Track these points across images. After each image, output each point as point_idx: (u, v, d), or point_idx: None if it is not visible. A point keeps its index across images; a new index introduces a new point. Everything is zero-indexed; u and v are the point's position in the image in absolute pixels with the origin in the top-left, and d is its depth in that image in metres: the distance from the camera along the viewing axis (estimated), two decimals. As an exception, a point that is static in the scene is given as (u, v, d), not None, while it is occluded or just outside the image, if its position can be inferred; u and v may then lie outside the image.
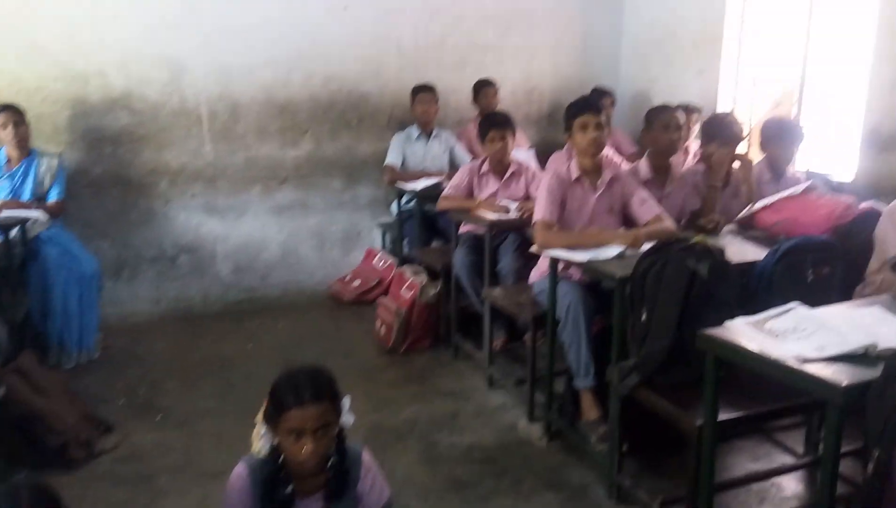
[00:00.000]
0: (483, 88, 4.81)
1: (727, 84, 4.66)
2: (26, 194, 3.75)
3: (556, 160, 4.11)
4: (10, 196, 3.71)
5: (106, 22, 4.11)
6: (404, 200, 4.55)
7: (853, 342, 1.63)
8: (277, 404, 1.58)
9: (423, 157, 4.65)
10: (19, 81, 4.01)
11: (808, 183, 3.08)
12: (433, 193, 4.09)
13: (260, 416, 1.68)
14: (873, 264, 2.43)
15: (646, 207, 2.94)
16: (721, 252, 2.31)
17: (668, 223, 2.88)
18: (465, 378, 3.55)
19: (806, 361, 1.60)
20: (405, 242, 4.61)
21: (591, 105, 2.93)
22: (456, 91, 5.02)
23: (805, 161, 4.15)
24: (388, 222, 4.95)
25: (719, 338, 1.80)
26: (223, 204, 4.59)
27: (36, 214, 3.61)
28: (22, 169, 3.74)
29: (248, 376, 3.55)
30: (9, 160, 3.75)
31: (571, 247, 2.70)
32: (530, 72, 5.28)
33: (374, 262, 4.87)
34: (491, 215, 3.47)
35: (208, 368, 3.68)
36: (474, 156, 4.65)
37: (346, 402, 1.71)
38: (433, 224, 4.44)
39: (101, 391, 3.36)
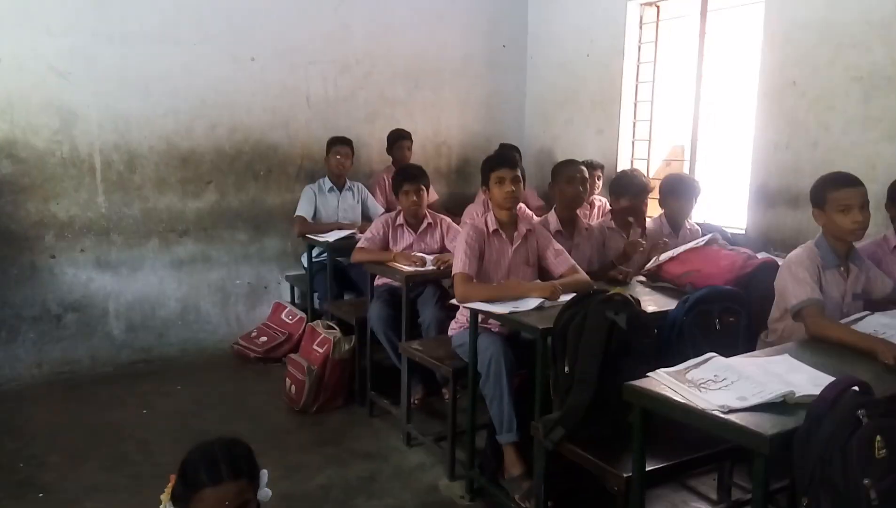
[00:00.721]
0: (398, 141, 4.85)
1: (625, 143, 4.92)
2: None
3: (470, 213, 4.15)
4: None
5: (-12, 66, 3.82)
6: (315, 252, 4.42)
7: (772, 391, 1.69)
8: (190, 482, 1.43)
9: (337, 209, 4.58)
10: None
11: (710, 236, 3.25)
12: (346, 244, 4.00)
13: (166, 496, 1.51)
14: (775, 312, 2.57)
15: (560, 259, 3.00)
16: (638, 303, 2.37)
17: (583, 275, 2.94)
18: (382, 437, 3.42)
19: (731, 411, 1.63)
20: (315, 296, 4.47)
21: (507, 160, 2.98)
22: (366, 144, 5.02)
23: (699, 215, 4.41)
24: (297, 275, 4.79)
25: (646, 391, 1.81)
26: (116, 258, 4.29)
27: None
28: None
29: (142, 446, 3.26)
30: None
31: (491, 299, 2.70)
32: (439, 126, 5.36)
33: (282, 316, 4.68)
34: (408, 268, 3.43)
35: (97, 438, 3.34)
36: (387, 206, 4.62)
37: (264, 476, 1.57)
38: (345, 277, 4.34)
39: (-30, 471, 2.98)
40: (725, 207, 4.31)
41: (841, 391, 1.52)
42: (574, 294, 2.55)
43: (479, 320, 2.78)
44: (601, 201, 4.55)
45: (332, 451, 3.26)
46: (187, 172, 4.45)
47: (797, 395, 1.68)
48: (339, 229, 4.30)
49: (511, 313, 2.57)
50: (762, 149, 3.89)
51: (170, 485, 1.50)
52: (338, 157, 4.51)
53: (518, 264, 2.99)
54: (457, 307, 2.92)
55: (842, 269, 2.50)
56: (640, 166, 4.86)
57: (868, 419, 1.48)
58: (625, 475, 2.00)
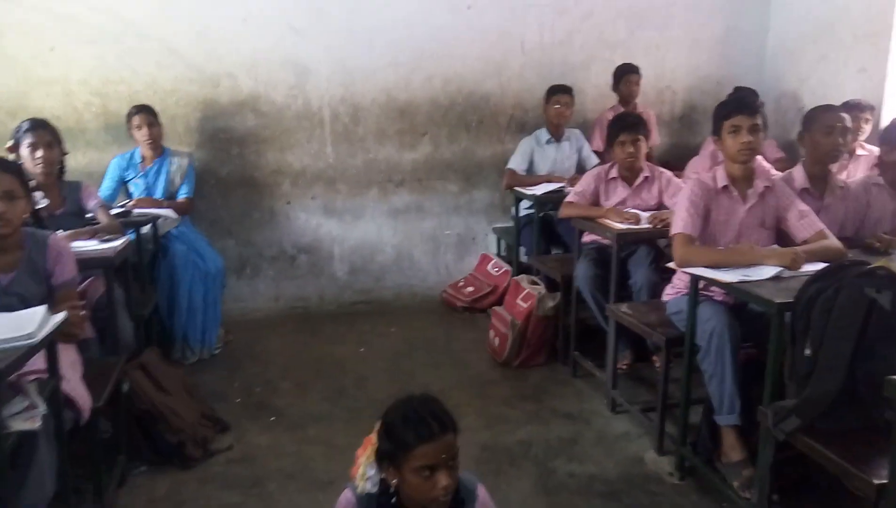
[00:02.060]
0: (626, 75, 4.54)
1: (894, 84, 4.09)
2: (158, 192, 3.89)
3: (695, 167, 3.77)
4: (143, 194, 3.87)
5: (236, 27, 4.21)
6: (524, 205, 4.35)
7: None
8: (401, 442, 1.44)
9: (555, 161, 4.42)
10: (156, 84, 4.19)
11: None
12: (555, 198, 3.86)
13: (367, 458, 1.53)
14: None
15: (806, 221, 2.58)
16: (908, 280, 1.94)
17: (834, 242, 2.50)
18: (585, 400, 3.30)
19: None
20: (522, 249, 4.41)
21: (745, 105, 2.60)
22: (581, 91, 4.74)
23: None
24: (504, 227, 4.77)
25: (918, 390, 1.47)
26: (341, 206, 4.59)
27: (167, 212, 3.73)
28: (155, 168, 3.89)
29: (358, 381, 3.50)
30: (143, 159, 3.91)
31: (717, 265, 2.40)
32: (663, 70, 4.92)
33: (488, 268, 4.72)
34: (619, 225, 3.20)
35: (321, 370, 3.65)
36: (602, 150, 4.34)
37: None
38: (552, 232, 4.21)
39: (220, 389, 3.41)
40: None
41: None
42: (821, 264, 2.17)
43: (700, 286, 2.50)
44: (868, 150, 3.84)
45: (533, 407, 3.22)
46: (404, 123, 4.58)
47: None
48: (549, 182, 4.16)
49: (741, 281, 2.26)
50: None
51: (370, 447, 1.52)
52: (557, 106, 4.32)
53: (751, 226, 2.62)
54: (673, 271, 2.65)
55: None
56: (915, 112, 4.03)
57: None
58: (876, 481, 1.68)
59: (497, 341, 3.75)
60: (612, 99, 4.66)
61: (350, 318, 4.47)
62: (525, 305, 3.70)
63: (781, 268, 2.30)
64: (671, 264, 2.55)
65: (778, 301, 2.06)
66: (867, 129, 3.80)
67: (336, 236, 4.62)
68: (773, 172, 3.48)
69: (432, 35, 4.48)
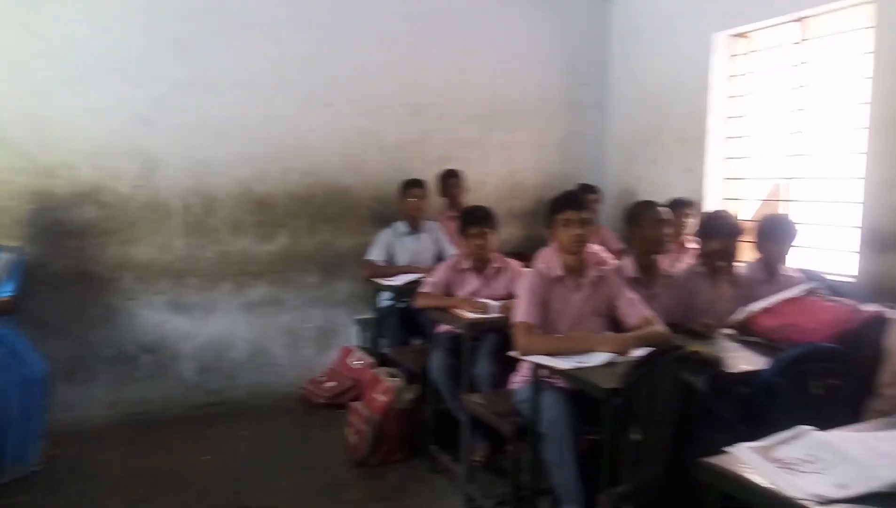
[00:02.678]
0: (449, 180, 4.73)
1: (714, 182, 4.57)
2: (-24, 290, 3.50)
3: (543, 257, 3.94)
4: (-42, 292, 3.47)
5: (76, 116, 4.01)
6: (384, 296, 4.33)
7: (881, 478, 1.38)
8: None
9: (414, 251, 4.47)
10: (-20, 174, 3.86)
11: (809, 285, 2.89)
12: (414, 288, 3.87)
13: None
14: (886, 376, 2.20)
15: (634, 309, 2.73)
16: (719, 362, 2.08)
17: (660, 327, 2.66)
18: (442, 497, 3.21)
19: (828, 502, 1.34)
20: (383, 341, 4.36)
21: (573, 200, 2.78)
22: (440, 187, 4.93)
23: (800, 260, 3.99)
24: (366, 318, 4.71)
25: (724, 470, 1.53)
26: (191, 301, 4.35)
27: (-16, 311, 3.35)
28: (-27, 264, 3.52)
29: (200, 495, 3.20)
30: (-40, 254, 3.53)
31: (555, 352, 2.47)
32: (514, 168, 5.21)
33: (349, 361, 4.59)
34: (470, 314, 3.25)
35: (158, 485, 3.31)
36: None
37: None
38: (414, 322, 4.20)
39: (34, 512, 3.00)
40: (831, 252, 3.87)
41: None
42: (649, 349, 2.29)
43: (544, 374, 2.55)
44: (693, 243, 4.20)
45: (388, 509, 3.08)
46: (262, 215, 4.49)
47: (915, 486, 1.36)
48: (409, 272, 4.19)
49: (575, 368, 2.33)
50: (873, 188, 3.47)
51: None
52: (412, 199, 4.43)
53: (586, 314, 2.75)
54: (516, 359, 2.70)
55: None
56: (733, 207, 4.49)
57: None
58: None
59: (354, 438, 3.60)
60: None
61: (198, 422, 4.14)
62: (383, 398, 3.61)
63: (613, 354, 2.40)
64: (513, 353, 2.59)
65: (606, 387, 2.13)
66: (690, 222, 4.17)
67: (184, 333, 4.34)
68: (612, 261, 3.71)
69: (289, 130, 4.50)
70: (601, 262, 3.76)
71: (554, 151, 5.34)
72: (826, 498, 1.34)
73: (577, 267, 2.77)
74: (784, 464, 1.51)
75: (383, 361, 4.24)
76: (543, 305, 2.70)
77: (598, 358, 2.40)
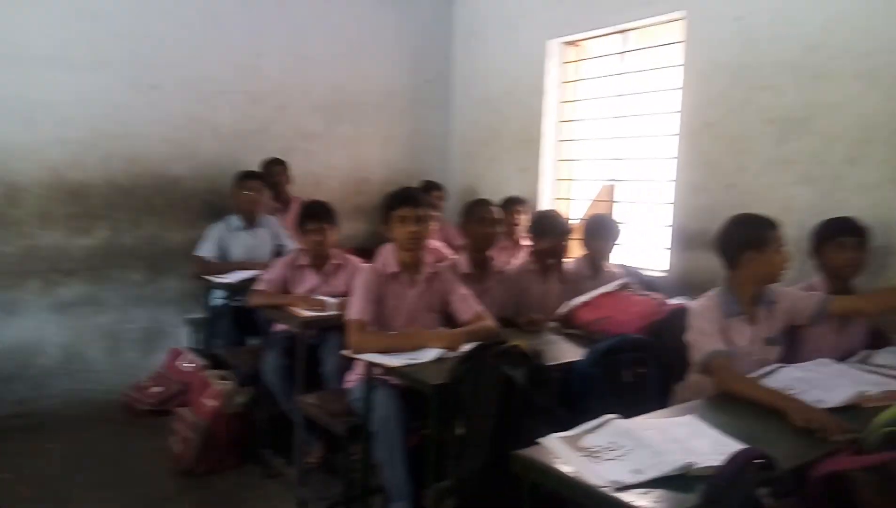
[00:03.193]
0: (273, 168, 4.54)
1: (548, 182, 4.80)
2: None
3: (384, 254, 3.91)
4: None
5: None
6: (217, 294, 4.09)
7: (670, 463, 1.49)
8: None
9: (250, 247, 4.25)
10: None
11: (623, 280, 3.10)
12: (249, 286, 3.69)
13: None
14: (692, 363, 2.41)
15: (466, 304, 2.79)
16: (538, 355, 2.16)
17: (489, 322, 2.72)
18: (276, 503, 3.08)
19: (623, 488, 1.42)
20: (217, 342, 4.12)
21: (410, 197, 2.77)
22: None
23: (622, 257, 4.29)
24: (198, 318, 4.43)
25: (532, 460, 1.59)
26: (-11, 301, 3.86)
27: None
28: None
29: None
30: None
31: (387, 349, 2.45)
32: (359, 162, 5.15)
33: (179, 364, 4.29)
34: (306, 312, 3.14)
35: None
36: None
37: None
38: (251, 322, 4.01)
39: None
40: (648, 249, 4.20)
41: (741, 466, 1.33)
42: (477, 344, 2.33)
43: (376, 372, 2.53)
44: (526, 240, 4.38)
45: (214, 520, 2.91)
46: (76, 206, 4.07)
47: (697, 466, 1.49)
48: (244, 269, 3.99)
49: (406, 365, 2.32)
50: (682, 190, 3.81)
51: None
52: (247, 192, 4.21)
53: (420, 310, 2.76)
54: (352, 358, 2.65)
55: (746, 316, 2.37)
56: (563, 207, 4.75)
57: (771, 498, 1.28)
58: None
59: (180, 446, 3.37)
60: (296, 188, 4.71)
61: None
62: (212, 403, 3.41)
63: (444, 350, 2.43)
64: (345, 352, 2.53)
65: (433, 383, 2.14)
66: (523, 220, 4.34)
67: (-21, 338, 3.85)
68: (453, 257, 3.77)
69: (110, 113, 4.11)
70: (441, 258, 3.83)
71: (400, 147, 5.34)
72: (622, 484, 1.42)
73: (412, 264, 2.77)
74: (589, 452, 1.59)
75: (216, 363, 4.00)
76: (378, 302, 2.68)
77: (429, 354, 2.41)
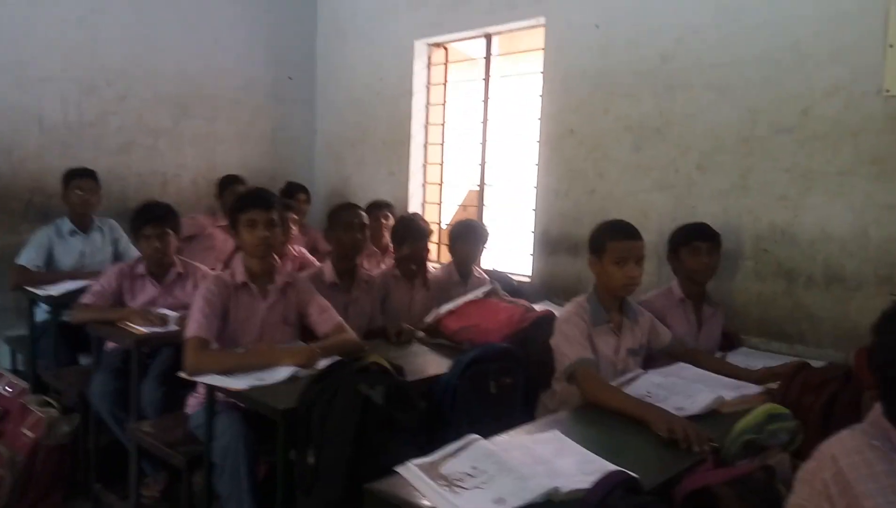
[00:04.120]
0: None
1: (416, 186, 4.68)
2: None
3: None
4: None
5: None
6: (43, 308, 3.57)
7: (534, 489, 1.37)
8: None
9: (83, 254, 3.75)
10: None
11: (490, 286, 3.02)
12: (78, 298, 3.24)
13: None
14: (557, 372, 2.34)
15: (325, 316, 2.57)
16: (399, 370, 2.01)
17: (349, 335, 2.53)
18: (106, 544, 2.71)
19: (483, 522, 1.29)
20: (43, 363, 3.60)
21: (260, 199, 2.51)
22: (121, 177, 4.30)
23: (490, 262, 4.25)
24: (20, 335, 3.87)
25: (387, 495, 1.42)
26: None
27: None
28: None
29: None
30: None
31: (230, 370, 2.19)
32: (214, 161, 4.76)
33: (-2, 388, 3.72)
34: (142, 328, 2.79)
35: None
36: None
37: None
38: (84, 338, 3.52)
39: None
40: (515, 254, 4.19)
41: (607, 492, 1.24)
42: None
43: (220, 395, 2.25)
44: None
45: (27, 573, 2.49)
46: None
47: (563, 490, 1.38)
48: (74, 278, 3.51)
49: (251, 388, 2.08)
50: (544, 196, 3.81)
51: None
52: (78, 192, 3.70)
53: (274, 324, 2.51)
54: (187, 382, 2.34)
55: (612, 325, 2.35)
56: (432, 212, 4.65)
57: (637, 525, 1.20)
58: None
59: (-10, 486, 2.88)
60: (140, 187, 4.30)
61: None
62: (30, 435, 2.95)
63: (297, 368, 2.20)
64: (182, 374, 2.24)
65: (281, 408, 1.92)
66: (390, 225, 4.17)
67: None
68: (317, 264, 3.53)
69: None
70: (305, 266, 3.58)
71: (260, 146, 5.01)
72: (483, 517, 1.29)
73: (263, 273, 2.52)
74: (449, 482, 1.45)
75: (41, 387, 3.50)
76: (223, 316, 2.40)
77: (281, 373, 2.18)
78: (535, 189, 3.86)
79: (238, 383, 2.10)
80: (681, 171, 3.22)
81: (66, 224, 3.74)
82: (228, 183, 4.30)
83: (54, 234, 3.69)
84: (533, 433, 1.77)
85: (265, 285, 2.51)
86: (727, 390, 2.10)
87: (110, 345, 3.03)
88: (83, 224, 3.77)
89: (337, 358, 2.16)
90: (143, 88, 4.36)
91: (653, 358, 2.48)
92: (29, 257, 3.58)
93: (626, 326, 2.37)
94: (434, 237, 4.33)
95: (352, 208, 3.00)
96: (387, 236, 4.12)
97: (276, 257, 2.58)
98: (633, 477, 1.32)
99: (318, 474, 1.81)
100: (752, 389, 2.15)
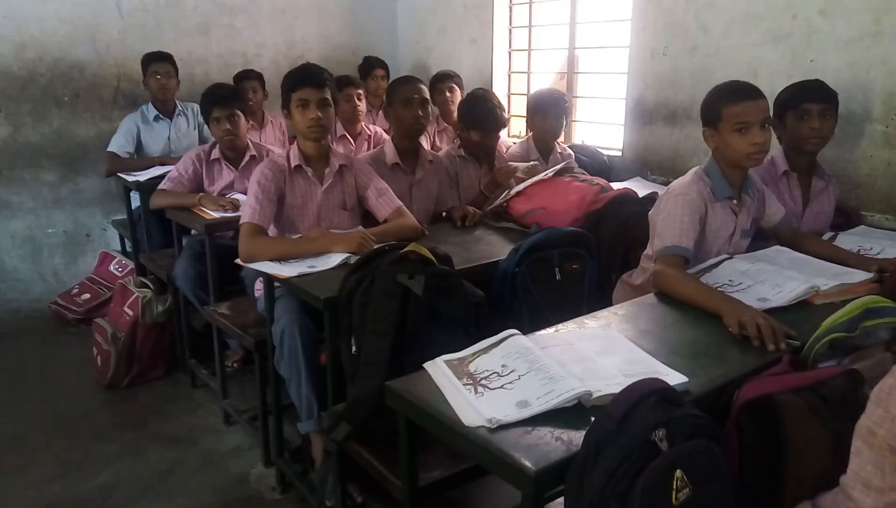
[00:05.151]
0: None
1: (501, 54, 4.32)
2: None
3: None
4: None
5: None
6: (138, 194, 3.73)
7: (562, 392, 1.22)
8: None
9: (170, 140, 3.84)
10: None
11: (563, 163, 2.77)
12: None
13: None
14: (648, 248, 2.11)
15: (384, 199, 2.46)
16: (444, 258, 1.87)
17: (407, 219, 2.41)
18: (201, 415, 2.91)
19: (500, 427, 1.17)
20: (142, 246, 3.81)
21: (312, 76, 2.36)
22: (202, 60, 4.29)
23: (577, 135, 3.93)
24: (126, 219, 4.09)
25: (405, 393, 1.33)
26: None
27: None
28: None
29: None
30: None
31: (282, 256, 2.15)
32: (293, 38, 4.62)
33: (110, 268, 4.03)
34: (213, 213, 2.82)
35: None
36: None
37: None
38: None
39: None
40: (608, 126, 3.82)
41: (635, 403, 1.07)
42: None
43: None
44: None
45: (132, 436, 2.74)
46: (-35, 99, 3.63)
47: (595, 395, 1.23)
48: (163, 164, 3.60)
49: (302, 274, 2.03)
50: (638, 57, 3.38)
51: None
52: (157, 77, 3.73)
53: (331, 208, 2.43)
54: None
55: (734, 201, 2.05)
56: (520, 82, 4.31)
57: (667, 443, 1.03)
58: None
59: (100, 359, 3.16)
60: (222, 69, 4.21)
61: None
62: (130, 313, 3.16)
63: (349, 254, 2.13)
64: (238, 261, 2.23)
65: (323, 297, 1.86)
66: (457, 98, 3.89)
67: None
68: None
69: (-13, -11, 3.58)
70: (378, 142, 3.46)
71: (339, 18, 4.79)
72: (499, 422, 1.17)
73: (318, 155, 2.41)
74: (474, 380, 1.34)
75: (142, 269, 3.73)
76: (279, 201, 2.35)
77: (333, 260, 2.12)
78: (627, 49, 3.43)
79: (287, 270, 2.06)
80: (799, 16, 2.70)
81: (151, 110, 3.80)
82: (241, 79, 4.09)
83: (140, 120, 3.77)
84: (584, 326, 1.61)
85: (321, 169, 2.42)
86: (825, 277, 1.79)
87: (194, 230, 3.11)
88: (166, 109, 3.82)
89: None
90: (216, -37, 4.22)
91: (758, 238, 2.19)
92: (118, 144, 3.71)
93: (746, 202, 2.08)
94: (522, 110, 4.05)
95: (410, 81, 2.77)
96: (453, 111, 3.88)
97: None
98: (670, 387, 1.14)
99: (359, 363, 1.76)
100: (857, 276, 1.82)
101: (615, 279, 2.33)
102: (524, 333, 1.52)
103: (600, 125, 3.89)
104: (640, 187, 2.81)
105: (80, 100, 3.94)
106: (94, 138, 3.98)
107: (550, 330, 1.58)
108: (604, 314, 1.69)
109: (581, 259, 2.19)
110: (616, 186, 2.61)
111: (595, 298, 2.24)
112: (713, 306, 1.65)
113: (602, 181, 2.53)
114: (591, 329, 1.58)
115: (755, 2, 2.84)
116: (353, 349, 1.79)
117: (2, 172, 3.78)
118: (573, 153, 3.34)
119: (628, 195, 2.45)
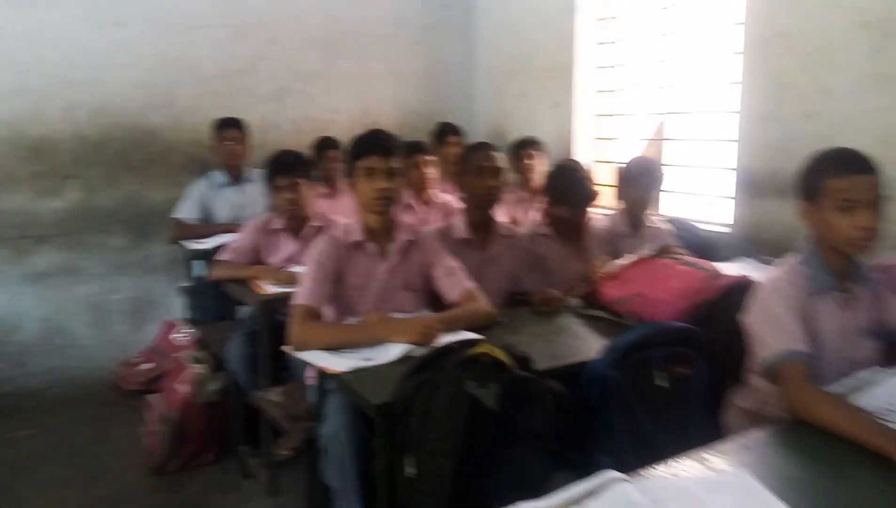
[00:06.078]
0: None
1: (584, 118, 4.05)
2: None
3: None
4: None
5: None
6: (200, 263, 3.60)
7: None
8: None
9: (237, 207, 3.73)
10: None
11: (665, 241, 2.41)
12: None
13: None
14: (754, 363, 1.73)
15: (453, 279, 2.17)
16: (524, 361, 1.55)
17: (479, 304, 2.10)
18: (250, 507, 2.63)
19: None
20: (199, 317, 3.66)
21: (379, 144, 2.14)
22: (275, 126, 4.21)
23: (670, 208, 3.56)
24: (192, 287, 3.98)
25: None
26: (-47, 274, 3.51)
27: None
28: None
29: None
30: None
31: (337, 345, 1.88)
32: (368, 104, 4.51)
33: (173, 337, 3.88)
34: (271, 288, 2.60)
35: None
36: None
37: None
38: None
39: None
40: (706, 198, 3.44)
41: None
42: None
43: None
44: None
45: (170, 532, 2.48)
46: (41, 164, 3.64)
47: None
48: (228, 231, 3.46)
49: (355, 368, 1.75)
50: (748, 122, 3.02)
51: None
52: (226, 142, 3.66)
53: (394, 289, 2.15)
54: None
55: (840, 295, 1.66)
56: (605, 149, 4.00)
57: None
58: None
59: (149, 440, 2.95)
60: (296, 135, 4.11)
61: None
62: (183, 390, 2.96)
63: (411, 346, 1.83)
64: (285, 348, 1.97)
65: (376, 402, 1.55)
66: (538, 166, 3.62)
67: (-52, 315, 3.51)
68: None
69: (69, 56, 3.61)
70: (448, 212, 3.21)
71: (415, 84, 4.67)
72: None
73: (382, 230, 2.16)
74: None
75: (204, 341, 3.56)
76: (337, 280, 2.09)
77: (392, 352, 1.83)
78: (736, 114, 3.07)
79: (340, 362, 1.78)
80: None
81: (219, 176, 3.72)
82: (324, 147, 3.92)
83: (207, 186, 3.69)
84: (708, 462, 1.23)
85: (384, 245, 2.16)
86: None
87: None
88: (235, 175, 3.72)
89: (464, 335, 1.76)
90: (292, 31, 4.19)
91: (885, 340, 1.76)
92: (185, 210, 3.62)
93: (859, 296, 1.68)
94: (608, 180, 3.74)
95: (483, 148, 2.50)
96: (535, 179, 3.59)
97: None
98: None
99: (416, 487, 1.44)
100: None
101: (729, 389, 1.92)
102: (621, 459, 1.17)
103: (696, 197, 3.51)
104: (752, 271, 2.41)
105: (152, 165, 3.91)
106: (165, 204, 3.91)
107: (663, 470, 1.21)
108: (730, 449, 1.31)
109: (692, 363, 1.81)
110: (725, 267, 2.23)
111: (705, 414, 1.85)
112: (881, 445, 1.25)
113: (709, 264, 2.15)
114: (719, 474, 1.20)
115: (887, 60, 2.45)
116: (409, 469, 1.47)
117: (74, 237, 3.75)
118: (668, 227, 2.97)
119: (746, 284, 2.05)
